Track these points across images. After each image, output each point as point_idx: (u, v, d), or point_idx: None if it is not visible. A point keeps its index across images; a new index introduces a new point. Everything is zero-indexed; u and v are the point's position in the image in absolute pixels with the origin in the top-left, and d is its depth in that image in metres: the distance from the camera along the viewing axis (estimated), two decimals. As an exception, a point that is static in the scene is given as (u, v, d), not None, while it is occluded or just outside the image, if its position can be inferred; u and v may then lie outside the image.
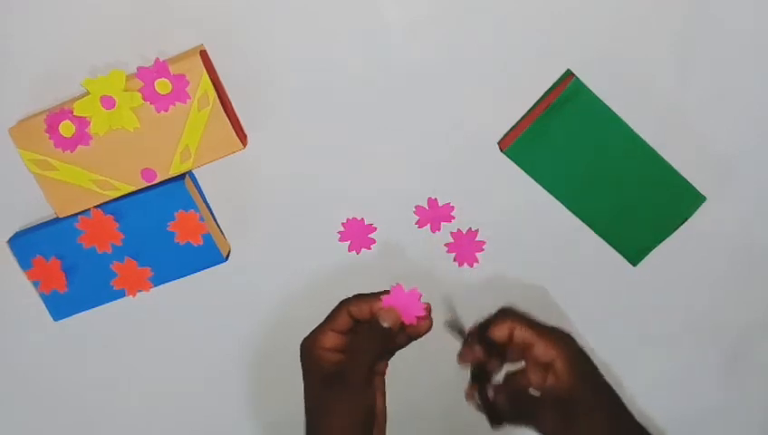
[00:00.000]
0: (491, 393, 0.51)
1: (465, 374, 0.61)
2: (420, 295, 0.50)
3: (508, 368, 0.53)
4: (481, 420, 0.52)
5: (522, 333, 0.50)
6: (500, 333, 0.51)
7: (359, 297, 0.51)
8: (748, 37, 0.57)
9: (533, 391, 0.51)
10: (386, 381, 0.53)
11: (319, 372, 0.49)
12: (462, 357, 0.53)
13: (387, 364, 0.53)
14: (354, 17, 0.56)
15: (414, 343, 0.52)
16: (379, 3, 0.56)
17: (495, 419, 0.51)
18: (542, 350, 0.49)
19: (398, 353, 0.52)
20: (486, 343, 0.51)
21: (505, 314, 0.52)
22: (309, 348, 0.50)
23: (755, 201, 0.61)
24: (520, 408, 0.50)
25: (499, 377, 0.53)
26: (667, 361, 0.66)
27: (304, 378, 0.51)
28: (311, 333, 0.51)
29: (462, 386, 0.54)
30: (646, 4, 0.56)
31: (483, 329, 0.52)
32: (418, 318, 0.50)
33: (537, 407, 0.49)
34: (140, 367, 0.66)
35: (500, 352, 0.52)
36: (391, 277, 0.62)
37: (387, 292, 0.51)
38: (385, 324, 0.50)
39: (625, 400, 0.50)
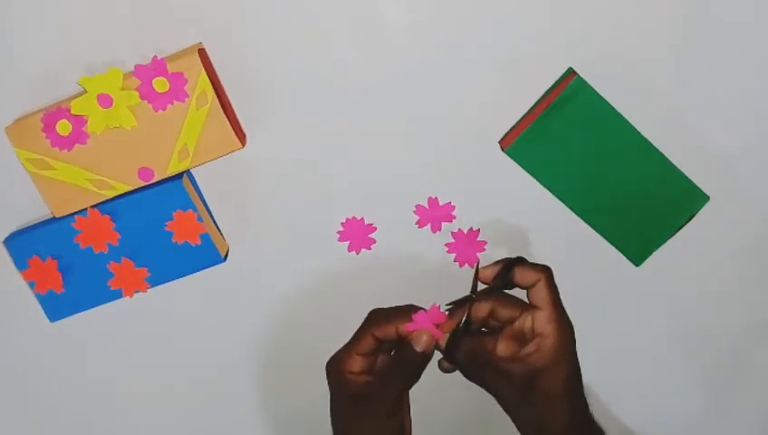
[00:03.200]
0: (463, 344, 0.48)
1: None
2: (443, 313, 0.48)
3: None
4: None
5: (539, 293, 0.47)
6: (525, 278, 0.47)
7: (383, 318, 0.49)
8: (748, 37, 0.57)
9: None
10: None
11: (347, 393, 0.48)
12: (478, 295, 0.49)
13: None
14: (354, 17, 0.56)
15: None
16: (379, 3, 0.56)
17: (450, 358, 0.49)
18: (544, 320, 0.46)
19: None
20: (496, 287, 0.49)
21: (534, 265, 0.49)
22: (336, 371, 0.49)
23: (757, 201, 0.61)
24: (478, 366, 0.48)
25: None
26: (669, 361, 0.66)
27: (332, 397, 0.49)
28: (336, 355, 0.49)
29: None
30: (646, 3, 0.56)
31: (507, 269, 0.48)
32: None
33: (498, 372, 0.47)
34: (138, 368, 0.65)
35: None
36: (391, 277, 0.62)
37: (412, 307, 0.48)
38: (419, 349, 0.47)
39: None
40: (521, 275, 0.48)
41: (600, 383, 0.66)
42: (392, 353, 0.50)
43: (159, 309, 0.63)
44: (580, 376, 0.47)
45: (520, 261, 0.49)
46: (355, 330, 0.50)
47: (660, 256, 0.60)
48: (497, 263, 0.50)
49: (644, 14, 0.56)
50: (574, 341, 0.47)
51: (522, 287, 0.49)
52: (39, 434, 0.67)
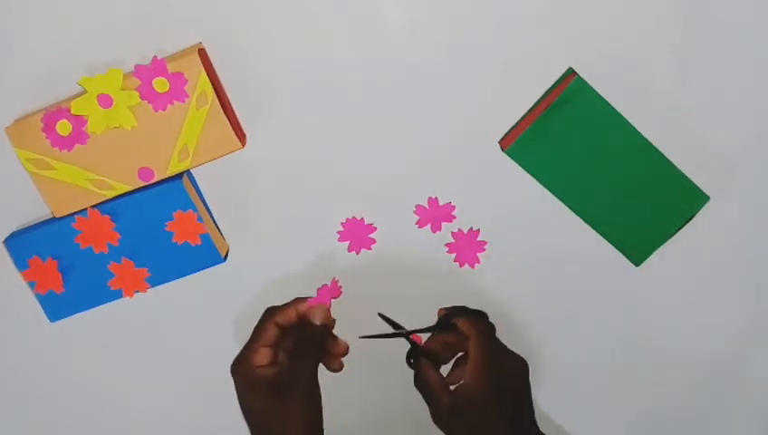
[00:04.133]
0: (417, 362, 0.54)
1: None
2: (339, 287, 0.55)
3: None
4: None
5: (471, 346, 0.51)
6: (464, 329, 0.53)
7: (279, 308, 0.53)
8: (748, 37, 0.57)
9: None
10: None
11: (261, 387, 0.50)
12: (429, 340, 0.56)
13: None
14: (354, 17, 0.56)
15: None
16: (379, 3, 0.56)
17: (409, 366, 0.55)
18: (468, 368, 0.51)
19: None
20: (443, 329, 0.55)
21: (473, 321, 0.54)
22: (245, 369, 0.51)
23: (757, 201, 0.61)
24: (419, 384, 0.53)
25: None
26: (668, 360, 0.66)
27: (245, 399, 0.51)
28: (240, 354, 0.52)
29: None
30: (646, 3, 0.56)
31: (449, 315, 0.55)
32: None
33: (435, 401, 0.52)
34: (138, 368, 0.65)
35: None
36: (391, 277, 0.62)
37: (302, 298, 0.53)
38: (317, 322, 0.52)
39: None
40: (461, 324, 0.53)
41: (598, 383, 0.66)
42: (295, 337, 0.53)
43: (159, 309, 0.63)
44: (507, 419, 0.50)
45: (473, 312, 0.55)
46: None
47: (660, 256, 0.60)
48: (452, 308, 0.56)
49: (644, 14, 0.56)
50: (503, 389, 0.50)
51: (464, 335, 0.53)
52: (39, 434, 0.67)
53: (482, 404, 0.49)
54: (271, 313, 0.53)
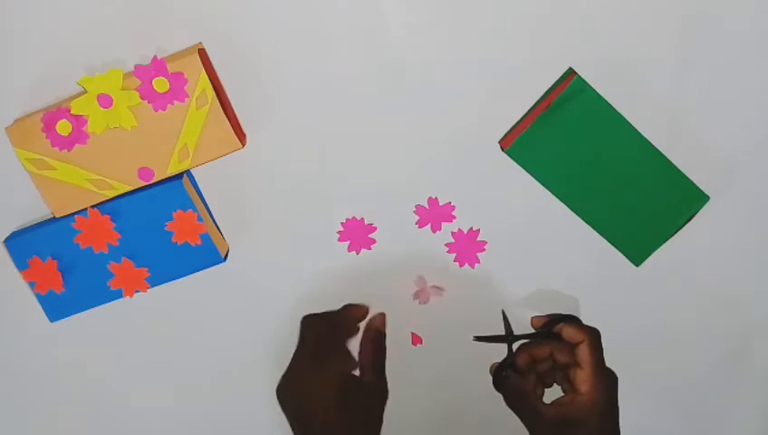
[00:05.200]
0: (512, 378, 0.52)
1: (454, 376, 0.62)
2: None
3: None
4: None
5: (581, 353, 0.50)
6: (571, 336, 0.51)
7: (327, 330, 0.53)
8: (748, 37, 0.57)
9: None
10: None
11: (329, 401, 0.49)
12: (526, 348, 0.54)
13: None
14: (354, 17, 0.56)
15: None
16: (379, 3, 0.56)
17: (495, 386, 0.53)
18: (581, 378, 0.50)
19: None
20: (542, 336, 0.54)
21: (581, 326, 0.52)
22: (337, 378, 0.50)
23: (757, 201, 0.61)
24: (520, 401, 0.51)
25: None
26: (669, 360, 0.66)
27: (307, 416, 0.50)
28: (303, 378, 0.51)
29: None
30: (646, 3, 0.56)
31: (553, 322, 0.53)
32: None
33: (537, 414, 0.50)
34: (138, 368, 0.65)
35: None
36: (391, 277, 0.62)
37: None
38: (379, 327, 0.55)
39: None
40: (567, 331, 0.52)
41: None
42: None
43: (159, 309, 0.63)
44: (614, 433, 0.50)
45: (570, 319, 0.53)
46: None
47: (660, 256, 0.60)
48: (550, 315, 0.54)
49: (644, 14, 0.56)
50: (610, 401, 0.50)
51: (569, 342, 0.52)
52: (39, 434, 0.67)
53: (598, 414, 0.48)
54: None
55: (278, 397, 0.50)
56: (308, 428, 0.49)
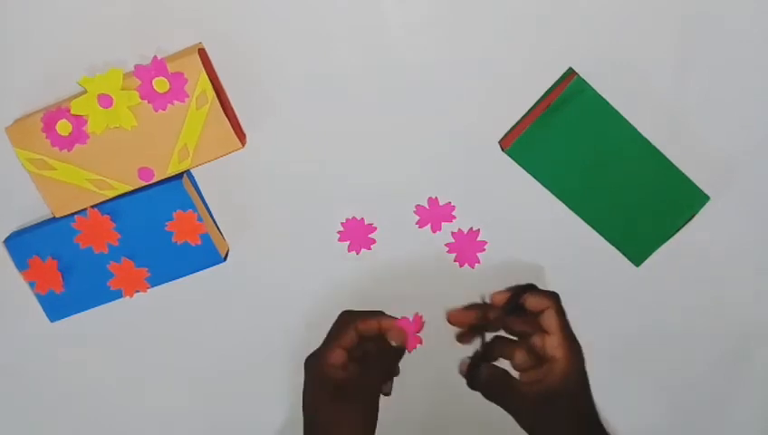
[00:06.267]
0: (483, 370, 0.51)
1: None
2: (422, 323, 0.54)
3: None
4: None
5: (549, 320, 0.50)
6: (535, 305, 0.51)
7: (365, 315, 0.53)
8: (748, 37, 0.57)
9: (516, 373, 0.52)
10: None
11: (327, 386, 0.50)
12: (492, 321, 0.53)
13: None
14: (354, 17, 0.56)
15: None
16: (379, 3, 0.56)
17: (470, 384, 0.52)
18: (553, 345, 0.49)
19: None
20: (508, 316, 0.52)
21: (543, 292, 0.52)
22: (318, 364, 0.51)
23: (757, 201, 0.61)
24: (498, 390, 0.51)
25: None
26: (669, 360, 0.66)
27: (310, 392, 0.51)
28: (318, 350, 0.52)
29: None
30: (646, 3, 0.56)
31: (517, 296, 0.52)
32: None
33: (519, 396, 0.49)
34: (138, 368, 0.65)
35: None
36: (391, 277, 0.62)
37: (380, 313, 0.53)
38: (394, 343, 0.53)
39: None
40: (531, 301, 0.51)
41: (599, 383, 0.66)
42: (370, 350, 0.53)
43: (159, 309, 0.63)
44: (589, 393, 0.50)
45: (530, 288, 0.52)
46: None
47: (660, 256, 0.60)
48: (509, 289, 0.53)
49: (644, 14, 0.56)
50: (583, 363, 0.50)
51: (533, 313, 0.51)
52: (39, 434, 0.67)
53: (576, 378, 0.48)
54: (353, 317, 0.53)
55: (303, 404, 0.52)
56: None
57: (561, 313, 0.50)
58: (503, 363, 0.53)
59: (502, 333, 0.53)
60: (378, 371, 0.52)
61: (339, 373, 0.51)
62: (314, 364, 0.51)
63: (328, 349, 0.51)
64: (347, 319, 0.53)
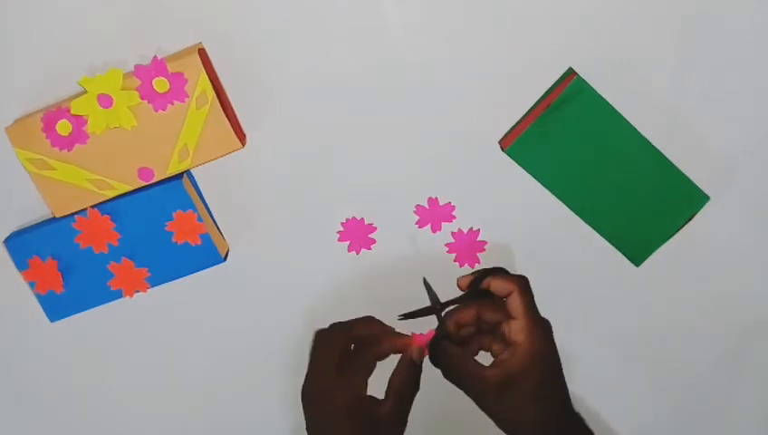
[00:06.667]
0: (447, 348, 0.50)
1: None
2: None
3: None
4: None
5: (513, 303, 0.48)
6: (499, 288, 0.50)
7: (372, 336, 0.51)
8: (748, 37, 0.57)
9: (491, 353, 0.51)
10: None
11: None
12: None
13: None
14: (354, 17, 0.56)
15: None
16: (379, 3, 0.56)
17: (432, 360, 0.51)
18: (516, 329, 0.48)
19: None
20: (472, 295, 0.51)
21: (509, 276, 0.51)
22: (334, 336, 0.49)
23: (757, 201, 0.61)
24: (455, 369, 0.49)
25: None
26: (669, 360, 0.66)
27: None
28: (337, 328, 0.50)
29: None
30: (646, 3, 0.56)
31: (478, 279, 0.51)
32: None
33: (480, 379, 0.48)
34: (138, 368, 0.65)
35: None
36: (391, 277, 0.62)
37: (370, 318, 0.52)
38: (417, 359, 0.50)
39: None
40: (495, 284, 0.50)
41: (599, 383, 0.66)
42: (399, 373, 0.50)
43: (159, 309, 0.63)
44: (557, 380, 0.48)
45: (496, 271, 0.51)
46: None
47: (660, 256, 0.60)
48: (475, 272, 0.52)
49: (644, 14, 0.56)
50: (550, 347, 0.49)
51: (498, 296, 0.50)
52: (39, 434, 0.67)
53: (540, 362, 0.46)
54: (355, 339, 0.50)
55: (301, 395, 0.49)
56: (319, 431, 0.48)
57: (526, 296, 0.49)
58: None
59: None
60: (410, 391, 0.50)
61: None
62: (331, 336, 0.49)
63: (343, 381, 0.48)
64: (341, 340, 0.50)
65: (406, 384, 0.50)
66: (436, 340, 0.50)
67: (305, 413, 0.49)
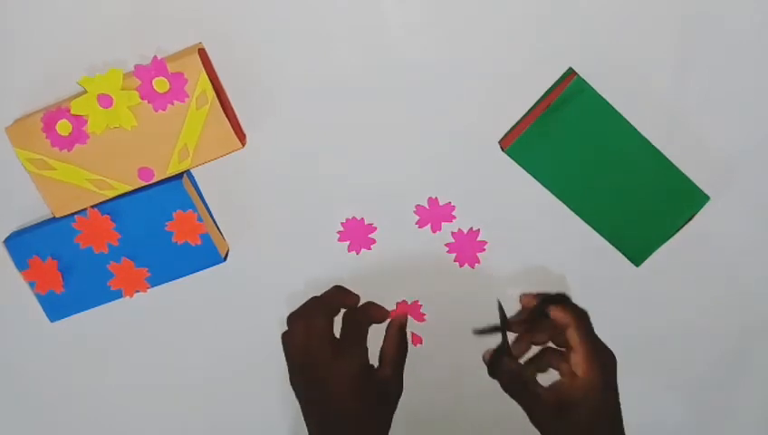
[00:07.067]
0: (504, 363, 0.52)
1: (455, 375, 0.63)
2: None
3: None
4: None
5: (571, 336, 0.50)
6: (558, 319, 0.51)
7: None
8: (748, 37, 0.57)
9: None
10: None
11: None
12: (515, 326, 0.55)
13: None
14: (354, 17, 0.56)
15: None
16: (379, 3, 0.56)
17: (491, 374, 0.53)
18: (574, 360, 0.50)
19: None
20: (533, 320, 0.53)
21: (568, 308, 0.52)
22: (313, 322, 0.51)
23: (757, 201, 0.61)
24: (513, 386, 0.51)
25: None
26: (669, 361, 0.66)
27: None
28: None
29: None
30: (646, 3, 0.56)
31: (543, 304, 0.53)
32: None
33: (536, 398, 0.50)
34: (138, 368, 0.65)
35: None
36: (391, 277, 0.62)
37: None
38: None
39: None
40: (554, 314, 0.52)
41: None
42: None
43: (159, 309, 0.63)
44: (611, 414, 0.50)
45: (560, 299, 0.53)
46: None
47: (660, 256, 0.60)
48: (539, 295, 0.54)
49: (644, 14, 0.56)
50: (608, 382, 0.50)
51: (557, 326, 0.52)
52: (39, 434, 0.67)
53: (596, 393, 0.48)
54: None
55: (291, 382, 0.51)
56: (321, 413, 0.49)
57: (584, 331, 0.50)
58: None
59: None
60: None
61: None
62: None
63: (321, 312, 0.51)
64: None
65: (399, 348, 0.53)
66: (497, 355, 0.52)
67: (307, 396, 0.50)
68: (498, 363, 0.52)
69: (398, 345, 0.53)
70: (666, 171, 0.58)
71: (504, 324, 0.54)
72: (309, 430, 0.50)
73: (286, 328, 0.53)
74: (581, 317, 0.51)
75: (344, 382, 0.48)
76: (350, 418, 0.48)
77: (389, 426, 0.51)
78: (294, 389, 0.51)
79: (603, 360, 0.50)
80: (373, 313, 0.54)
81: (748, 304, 0.64)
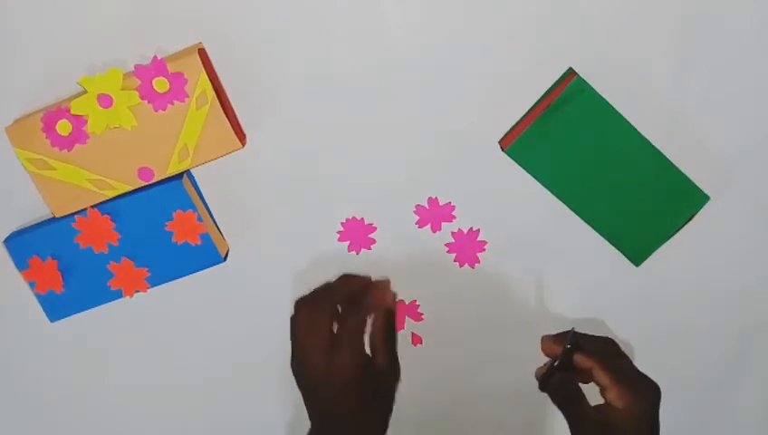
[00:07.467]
0: (557, 376, 0.52)
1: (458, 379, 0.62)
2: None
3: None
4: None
5: (599, 377, 0.51)
6: (581, 364, 0.52)
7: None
8: (748, 37, 0.57)
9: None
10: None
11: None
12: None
13: None
14: (354, 17, 0.56)
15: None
16: (379, 3, 0.56)
17: (542, 386, 0.53)
18: (611, 397, 0.50)
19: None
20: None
21: (597, 348, 0.52)
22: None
23: (757, 201, 0.61)
24: (564, 399, 0.52)
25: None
26: (668, 360, 0.66)
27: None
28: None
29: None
30: (646, 3, 0.56)
31: (569, 352, 0.53)
32: None
33: (584, 414, 0.50)
34: (138, 368, 0.65)
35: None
36: (391, 277, 0.62)
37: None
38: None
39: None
40: (577, 360, 0.52)
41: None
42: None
43: (159, 309, 0.63)
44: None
45: (579, 341, 0.52)
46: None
47: (660, 256, 0.60)
48: (556, 338, 0.54)
49: (644, 14, 0.56)
50: (649, 415, 0.50)
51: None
52: (39, 434, 0.67)
53: (636, 425, 0.49)
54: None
55: (293, 372, 0.50)
56: (324, 408, 0.49)
57: (611, 368, 0.50)
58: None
59: None
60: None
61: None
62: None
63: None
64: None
65: (389, 332, 0.51)
66: (552, 371, 0.53)
67: (308, 386, 0.49)
68: (552, 376, 0.52)
69: (386, 332, 0.51)
70: (666, 171, 0.58)
71: (571, 349, 0.53)
72: (309, 416, 0.50)
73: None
74: (604, 354, 0.51)
75: (342, 381, 0.48)
76: (350, 416, 0.48)
77: (390, 414, 0.50)
78: (294, 375, 0.50)
79: (643, 393, 0.50)
80: (377, 298, 0.52)
81: (748, 304, 0.64)
